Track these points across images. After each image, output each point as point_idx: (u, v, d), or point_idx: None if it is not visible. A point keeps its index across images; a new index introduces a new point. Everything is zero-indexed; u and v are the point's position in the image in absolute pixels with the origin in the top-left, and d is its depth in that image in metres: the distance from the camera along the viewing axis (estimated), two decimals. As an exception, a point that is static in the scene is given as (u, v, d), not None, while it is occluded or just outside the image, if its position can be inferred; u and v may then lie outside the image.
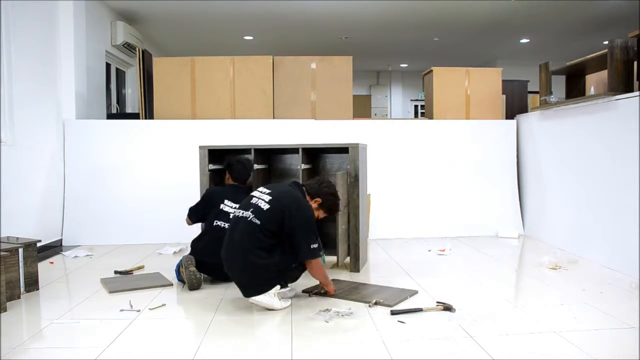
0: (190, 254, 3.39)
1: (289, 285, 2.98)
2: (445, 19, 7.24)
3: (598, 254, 3.98)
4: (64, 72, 5.11)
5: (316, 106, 5.42)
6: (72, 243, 4.87)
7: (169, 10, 6.71)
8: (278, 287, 2.83)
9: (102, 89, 6.20)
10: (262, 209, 2.82)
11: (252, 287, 2.82)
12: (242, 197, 3.22)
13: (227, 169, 3.70)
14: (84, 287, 3.37)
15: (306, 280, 3.16)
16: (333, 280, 3.17)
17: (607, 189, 4.00)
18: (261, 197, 2.90)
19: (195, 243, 3.49)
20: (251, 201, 2.90)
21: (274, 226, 2.79)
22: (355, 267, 3.73)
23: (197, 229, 4.14)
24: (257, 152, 4.00)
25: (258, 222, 2.79)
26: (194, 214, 3.61)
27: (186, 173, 4.90)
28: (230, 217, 3.10)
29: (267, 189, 2.98)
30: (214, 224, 3.41)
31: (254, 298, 2.81)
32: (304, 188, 3.03)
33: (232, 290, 3.25)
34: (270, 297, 2.80)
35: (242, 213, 2.87)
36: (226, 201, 3.48)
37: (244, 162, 3.69)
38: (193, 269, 3.23)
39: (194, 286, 3.23)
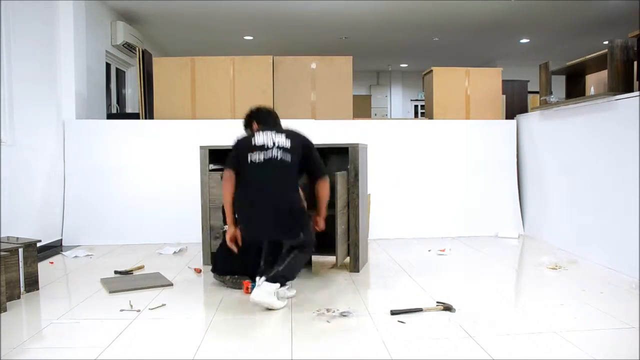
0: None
1: (287, 284, 2.98)
2: (445, 19, 7.24)
3: (598, 254, 3.98)
4: (64, 72, 5.11)
5: (316, 106, 5.42)
6: (72, 243, 4.87)
7: (169, 10, 6.71)
8: (278, 285, 2.84)
9: (102, 89, 6.20)
10: (287, 147, 3.03)
11: (291, 229, 2.95)
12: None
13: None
14: (84, 287, 3.37)
15: (302, 281, 3.15)
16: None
17: (607, 189, 4.00)
18: (276, 137, 3.05)
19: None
20: (269, 143, 3.03)
21: (300, 159, 3.05)
22: (355, 267, 3.73)
23: (197, 228, 4.14)
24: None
25: (289, 159, 3.01)
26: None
27: (186, 173, 4.91)
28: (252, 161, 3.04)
29: (272, 131, 3.10)
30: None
31: (256, 298, 2.80)
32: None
33: (232, 290, 3.25)
34: (272, 296, 2.81)
35: (267, 154, 2.99)
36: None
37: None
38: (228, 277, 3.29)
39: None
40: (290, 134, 3.13)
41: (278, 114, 3.44)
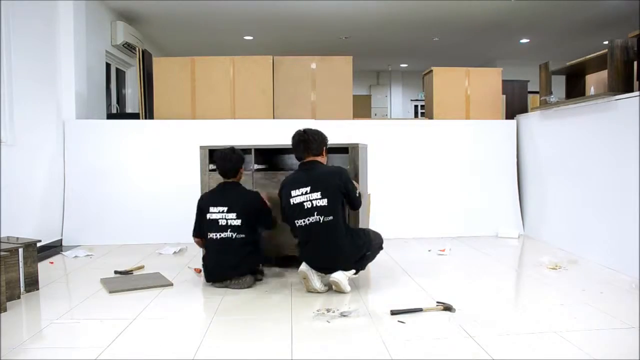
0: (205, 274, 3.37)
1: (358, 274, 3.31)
2: (445, 19, 7.24)
3: (598, 254, 3.98)
4: (64, 72, 5.11)
5: (316, 106, 5.42)
6: (72, 243, 4.87)
7: (169, 10, 6.71)
8: (354, 271, 3.17)
9: (102, 89, 6.20)
10: (325, 205, 3.06)
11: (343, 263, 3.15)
12: (224, 196, 3.31)
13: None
14: (84, 287, 3.37)
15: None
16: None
17: (607, 189, 4.00)
18: (312, 196, 3.08)
19: (204, 261, 3.39)
20: (307, 204, 3.08)
21: (341, 202, 3.11)
22: (357, 271, 3.71)
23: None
24: (257, 152, 4.00)
25: (330, 217, 3.06)
26: (195, 230, 3.44)
27: (186, 173, 4.91)
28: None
29: (307, 187, 3.11)
30: (207, 236, 3.32)
31: (337, 278, 3.06)
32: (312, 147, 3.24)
33: (232, 291, 3.25)
34: (346, 280, 3.10)
35: (309, 220, 3.07)
36: (211, 208, 3.32)
37: (224, 155, 3.40)
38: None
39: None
40: (326, 186, 3.09)
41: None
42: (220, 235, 3.26)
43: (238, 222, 3.25)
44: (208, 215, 3.31)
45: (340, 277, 3.09)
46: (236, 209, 3.27)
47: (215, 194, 3.40)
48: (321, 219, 3.06)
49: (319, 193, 3.09)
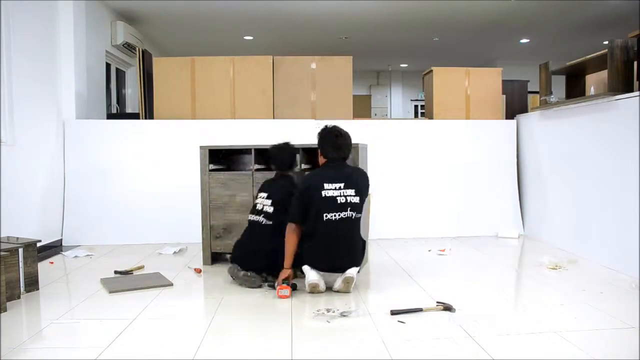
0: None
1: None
2: (445, 19, 7.24)
3: (598, 254, 3.98)
4: (64, 72, 5.11)
5: (316, 106, 5.42)
6: (72, 243, 4.87)
7: (169, 10, 6.71)
8: (357, 268, 3.17)
9: (102, 89, 6.20)
10: (358, 202, 3.12)
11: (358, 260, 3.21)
12: (276, 187, 3.43)
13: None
14: (84, 287, 3.37)
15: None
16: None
17: (607, 189, 4.00)
18: (347, 192, 3.11)
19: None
20: (341, 199, 3.09)
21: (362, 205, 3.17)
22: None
23: (197, 228, 4.16)
24: (257, 152, 4.01)
25: (359, 215, 3.14)
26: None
27: (186, 173, 4.91)
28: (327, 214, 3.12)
29: (342, 183, 3.12)
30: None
31: (352, 274, 3.07)
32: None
33: (232, 290, 3.25)
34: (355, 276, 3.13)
35: (342, 214, 3.07)
36: (260, 193, 3.49)
37: (280, 147, 3.54)
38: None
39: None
40: (358, 184, 3.16)
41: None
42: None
43: (271, 210, 3.35)
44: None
45: (354, 272, 3.11)
46: (277, 197, 3.37)
47: (268, 184, 3.54)
48: (353, 215, 3.10)
49: (353, 190, 3.12)
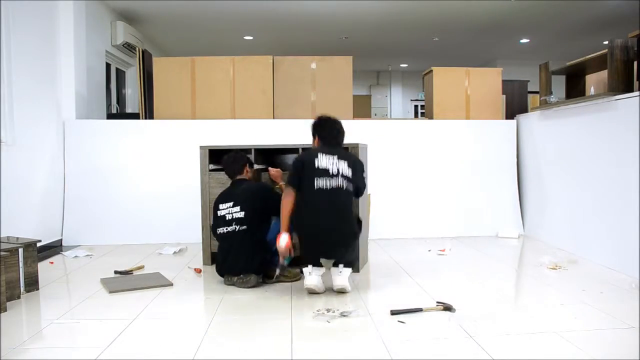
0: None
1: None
2: (445, 19, 7.24)
3: (598, 254, 3.98)
4: (64, 72, 5.11)
5: (316, 106, 5.42)
6: (72, 243, 4.87)
7: (169, 10, 6.72)
8: (350, 270, 3.15)
9: (102, 89, 6.20)
10: (350, 176, 3.13)
11: (349, 255, 3.20)
12: (231, 193, 3.46)
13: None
14: (84, 287, 3.37)
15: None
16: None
17: (607, 189, 4.00)
18: (340, 164, 3.13)
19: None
20: (333, 169, 3.10)
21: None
22: (355, 267, 3.72)
23: (197, 228, 4.16)
24: (257, 152, 4.01)
25: (351, 189, 3.15)
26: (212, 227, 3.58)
27: (186, 173, 4.91)
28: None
29: (335, 156, 3.16)
30: (217, 232, 3.48)
31: (342, 283, 3.08)
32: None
33: (232, 290, 3.25)
34: (348, 281, 3.12)
35: (333, 182, 3.09)
36: (220, 205, 3.47)
37: (227, 157, 3.60)
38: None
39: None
40: (351, 160, 3.21)
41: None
42: (226, 229, 3.37)
43: (241, 215, 3.35)
44: (218, 213, 3.45)
45: (344, 283, 3.10)
46: (240, 202, 3.39)
47: (224, 193, 3.56)
48: (344, 186, 3.12)
49: (345, 163, 3.16)
